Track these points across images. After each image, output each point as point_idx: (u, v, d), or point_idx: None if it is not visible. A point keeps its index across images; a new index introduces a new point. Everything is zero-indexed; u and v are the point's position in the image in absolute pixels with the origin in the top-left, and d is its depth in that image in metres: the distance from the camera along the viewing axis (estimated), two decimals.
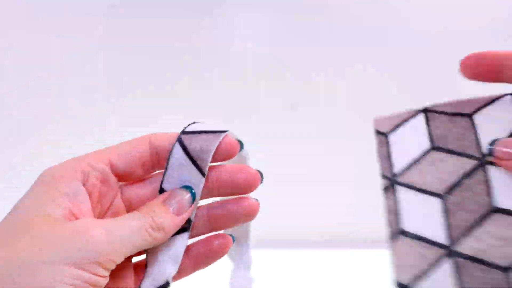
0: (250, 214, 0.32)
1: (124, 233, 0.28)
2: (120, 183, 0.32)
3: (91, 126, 0.67)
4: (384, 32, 0.65)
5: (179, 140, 0.31)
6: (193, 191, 0.31)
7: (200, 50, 0.67)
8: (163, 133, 0.32)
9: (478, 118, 0.31)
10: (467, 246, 0.27)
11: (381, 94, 0.66)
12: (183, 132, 0.31)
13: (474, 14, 0.65)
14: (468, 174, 0.30)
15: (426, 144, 0.32)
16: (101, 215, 0.31)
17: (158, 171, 0.33)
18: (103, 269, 0.27)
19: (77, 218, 0.29)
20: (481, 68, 0.31)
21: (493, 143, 0.30)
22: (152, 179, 0.33)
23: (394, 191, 0.31)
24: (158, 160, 0.32)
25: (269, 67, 0.67)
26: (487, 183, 0.29)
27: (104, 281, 0.27)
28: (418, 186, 0.30)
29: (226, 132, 0.31)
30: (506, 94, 0.32)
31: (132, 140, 0.32)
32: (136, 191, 0.33)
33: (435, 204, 0.29)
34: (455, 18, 0.65)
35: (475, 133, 0.31)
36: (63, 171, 0.30)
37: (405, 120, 0.34)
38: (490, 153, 0.30)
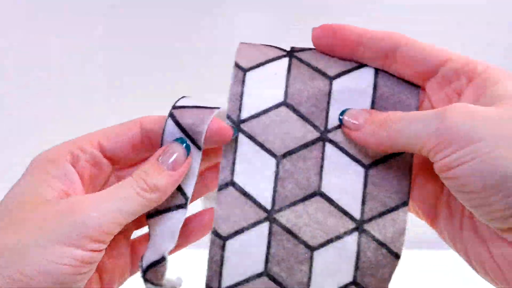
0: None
1: (114, 202, 0.27)
2: (113, 166, 0.32)
3: (91, 126, 0.67)
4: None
5: (171, 115, 0.30)
6: (187, 143, 0.30)
7: (200, 50, 0.67)
8: (154, 115, 0.31)
9: (336, 84, 0.30)
10: (286, 217, 0.29)
11: None
12: (174, 107, 0.31)
13: (474, 14, 0.65)
14: (307, 145, 0.30)
15: (279, 96, 0.30)
16: None
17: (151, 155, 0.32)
18: (97, 243, 0.26)
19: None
20: (336, 41, 0.30)
21: (343, 113, 0.30)
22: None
23: (235, 138, 0.30)
24: (150, 143, 0.31)
25: None
26: (321, 161, 0.29)
27: (97, 256, 0.27)
28: (259, 140, 0.30)
29: (219, 108, 0.30)
30: (367, 66, 0.31)
31: (123, 123, 0.32)
32: (129, 174, 0.32)
33: (270, 165, 0.29)
34: (456, 18, 0.65)
35: (328, 102, 0.30)
36: (53, 155, 0.30)
37: (270, 59, 0.32)
38: (340, 122, 0.30)
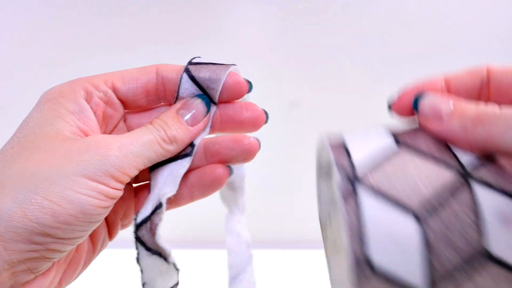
0: (249, 153, 0.31)
1: (136, 147, 0.28)
2: (125, 110, 0.32)
3: None
4: (387, 30, 0.65)
5: (187, 70, 0.30)
6: (207, 99, 0.30)
7: (200, 50, 0.67)
8: (171, 64, 0.32)
9: None
10: None
11: (381, 93, 0.66)
12: (190, 63, 0.31)
13: (476, 15, 0.65)
14: (451, 190, 0.21)
15: (388, 139, 0.24)
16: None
17: (163, 104, 0.32)
18: (117, 182, 0.27)
19: (86, 135, 0.29)
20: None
21: (417, 99, 0.26)
22: (158, 109, 0.32)
23: (356, 199, 0.21)
24: (164, 90, 0.31)
25: (268, 66, 0.67)
26: (475, 211, 0.20)
27: (118, 193, 0.28)
28: (388, 193, 0.21)
29: (235, 65, 0.30)
30: None
31: (140, 67, 0.32)
32: (140, 120, 0.32)
33: (410, 227, 0.20)
34: (456, 17, 0.65)
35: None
36: (67, 90, 0.30)
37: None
38: (415, 109, 0.26)
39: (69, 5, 0.66)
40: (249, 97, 0.32)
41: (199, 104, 0.30)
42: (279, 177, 0.69)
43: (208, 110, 0.30)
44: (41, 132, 0.28)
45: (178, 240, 0.70)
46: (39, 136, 0.27)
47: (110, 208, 0.28)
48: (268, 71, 0.67)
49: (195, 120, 0.30)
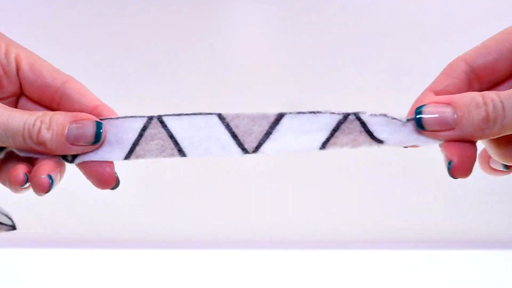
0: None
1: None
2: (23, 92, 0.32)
3: None
4: (387, 30, 0.65)
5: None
6: (101, 130, 0.29)
7: (200, 50, 0.67)
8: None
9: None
10: None
11: (382, 92, 0.66)
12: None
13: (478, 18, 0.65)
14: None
15: None
16: None
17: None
18: None
19: None
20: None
21: (418, 113, 0.28)
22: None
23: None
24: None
25: (268, 66, 0.67)
26: None
27: None
28: None
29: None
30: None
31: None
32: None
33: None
34: (457, 17, 0.65)
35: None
36: None
37: None
38: (420, 127, 0.27)
39: (69, 5, 0.65)
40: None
41: (90, 130, 0.29)
42: (280, 177, 0.69)
43: (95, 143, 0.29)
44: None
45: (177, 240, 0.70)
46: None
47: None
48: (268, 71, 0.67)
49: (76, 140, 0.29)
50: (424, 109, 0.27)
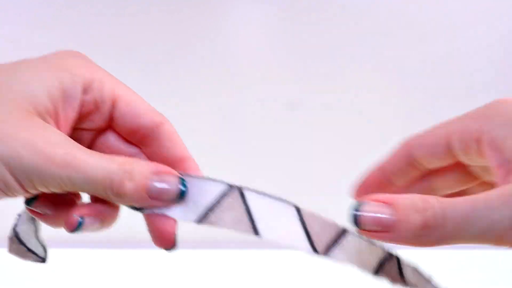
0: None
1: (88, 169, 0.25)
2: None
3: None
4: (386, 30, 0.65)
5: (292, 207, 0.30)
6: (185, 188, 0.27)
7: (200, 50, 0.67)
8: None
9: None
10: None
11: (382, 92, 0.66)
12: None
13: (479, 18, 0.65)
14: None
15: None
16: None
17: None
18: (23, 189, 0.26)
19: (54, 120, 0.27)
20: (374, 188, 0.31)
21: (356, 210, 0.26)
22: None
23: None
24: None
25: (268, 66, 0.67)
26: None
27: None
28: None
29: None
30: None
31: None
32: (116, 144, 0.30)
33: None
34: (457, 17, 0.65)
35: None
36: (80, 65, 0.29)
37: None
38: (356, 225, 0.26)
39: (69, 5, 0.66)
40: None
41: (174, 186, 0.27)
42: (279, 177, 0.69)
43: (179, 200, 0.27)
44: (18, 79, 0.28)
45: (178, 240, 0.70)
46: (12, 78, 0.28)
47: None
48: (268, 71, 0.67)
49: (159, 196, 0.27)
50: (362, 207, 0.26)
